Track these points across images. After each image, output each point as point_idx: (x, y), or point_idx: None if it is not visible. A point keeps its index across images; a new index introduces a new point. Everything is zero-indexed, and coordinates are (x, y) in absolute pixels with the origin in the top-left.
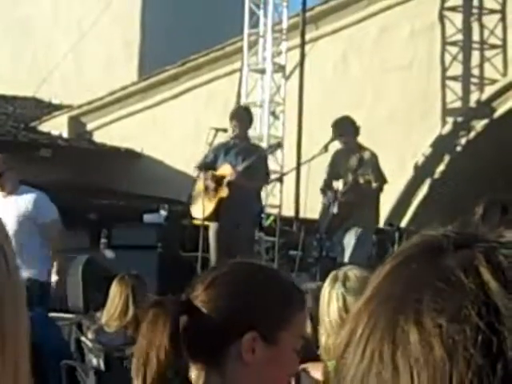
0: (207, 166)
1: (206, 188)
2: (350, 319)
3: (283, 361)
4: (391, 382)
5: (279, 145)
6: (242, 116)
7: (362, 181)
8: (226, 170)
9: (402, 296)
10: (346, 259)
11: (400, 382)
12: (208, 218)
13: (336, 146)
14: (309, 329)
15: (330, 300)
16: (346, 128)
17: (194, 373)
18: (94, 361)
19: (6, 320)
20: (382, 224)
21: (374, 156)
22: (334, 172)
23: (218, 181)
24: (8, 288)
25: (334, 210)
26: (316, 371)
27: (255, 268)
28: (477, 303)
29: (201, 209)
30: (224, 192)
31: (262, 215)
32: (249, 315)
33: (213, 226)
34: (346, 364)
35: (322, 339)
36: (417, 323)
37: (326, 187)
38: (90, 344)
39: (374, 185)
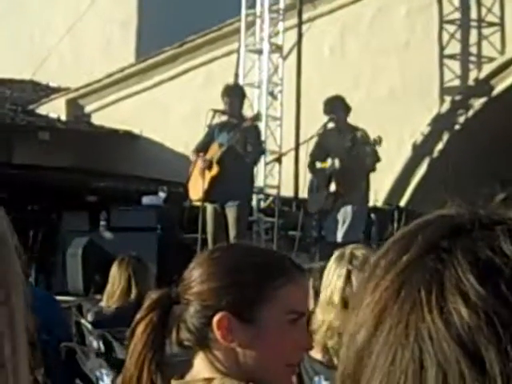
0: (203, 148)
1: (199, 169)
2: (370, 309)
3: (270, 338)
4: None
5: (258, 116)
6: (233, 92)
7: (357, 160)
8: (214, 148)
9: (440, 281)
10: (339, 238)
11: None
12: (203, 199)
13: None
14: (312, 305)
15: (335, 277)
16: (336, 106)
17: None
18: (95, 343)
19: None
20: (380, 203)
21: (366, 135)
22: (319, 153)
23: (209, 161)
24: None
25: (331, 189)
26: (315, 352)
27: (233, 248)
28: (511, 285)
29: (196, 191)
30: (214, 170)
31: (261, 196)
32: (220, 296)
33: (209, 208)
34: (371, 355)
35: (320, 316)
36: (467, 306)
37: (310, 168)
38: (89, 326)
39: (369, 164)
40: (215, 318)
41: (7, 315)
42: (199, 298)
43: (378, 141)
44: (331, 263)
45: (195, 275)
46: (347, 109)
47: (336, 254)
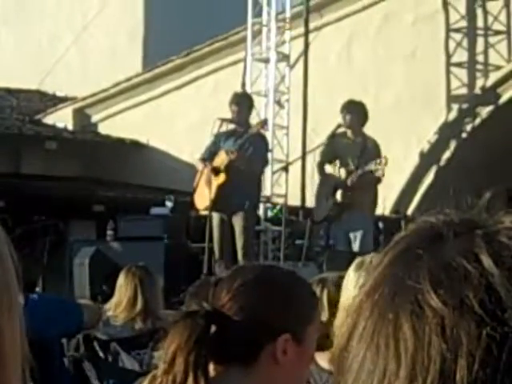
0: (209, 156)
1: (206, 178)
2: (351, 313)
3: (309, 354)
4: (395, 376)
5: (265, 122)
6: (241, 100)
7: (366, 169)
8: (221, 156)
9: (403, 288)
10: (356, 248)
11: (402, 376)
12: (210, 207)
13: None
14: (325, 317)
15: (356, 288)
16: (356, 110)
17: (213, 373)
18: (101, 353)
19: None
20: (388, 212)
21: (376, 146)
22: (328, 153)
23: (216, 169)
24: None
25: (337, 198)
26: (322, 360)
27: (277, 272)
28: (479, 293)
29: (203, 199)
30: (221, 178)
31: (268, 205)
32: (280, 320)
33: (216, 217)
34: (349, 357)
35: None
36: (418, 316)
37: (318, 168)
38: (97, 336)
39: (377, 174)
40: (279, 339)
41: None
42: (251, 317)
43: (385, 161)
44: (350, 272)
45: (243, 300)
46: (364, 117)
47: (355, 262)
